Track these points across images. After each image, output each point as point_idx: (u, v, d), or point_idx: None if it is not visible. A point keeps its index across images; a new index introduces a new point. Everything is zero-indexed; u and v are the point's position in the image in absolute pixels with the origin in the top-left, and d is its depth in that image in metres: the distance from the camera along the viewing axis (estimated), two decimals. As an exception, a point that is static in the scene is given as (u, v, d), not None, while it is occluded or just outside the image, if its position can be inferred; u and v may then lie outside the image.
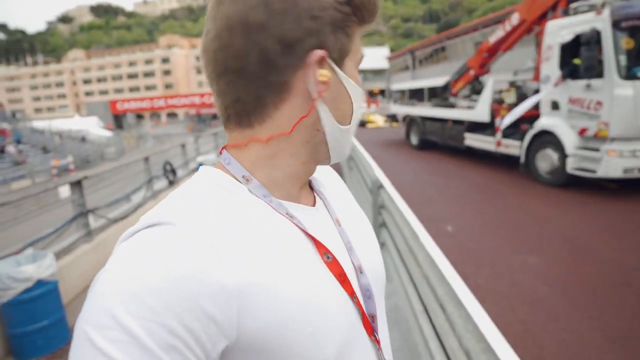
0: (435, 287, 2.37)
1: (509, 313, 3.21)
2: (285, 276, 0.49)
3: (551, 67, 6.95)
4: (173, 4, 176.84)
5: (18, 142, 24.34)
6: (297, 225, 0.55)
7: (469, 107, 10.09)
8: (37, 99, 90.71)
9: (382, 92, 59.37)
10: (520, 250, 4.46)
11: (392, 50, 66.12)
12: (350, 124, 0.58)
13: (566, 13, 7.11)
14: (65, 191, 5.87)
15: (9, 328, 3.10)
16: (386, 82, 53.05)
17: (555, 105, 6.95)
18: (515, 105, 8.17)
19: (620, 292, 3.45)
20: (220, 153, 0.59)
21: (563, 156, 6.73)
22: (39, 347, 3.13)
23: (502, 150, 8.46)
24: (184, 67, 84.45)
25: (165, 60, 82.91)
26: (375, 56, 61.89)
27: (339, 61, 0.54)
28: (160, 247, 0.43)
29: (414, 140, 13.12)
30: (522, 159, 7.69)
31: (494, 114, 8.73)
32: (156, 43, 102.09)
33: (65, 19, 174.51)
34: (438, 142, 11.78)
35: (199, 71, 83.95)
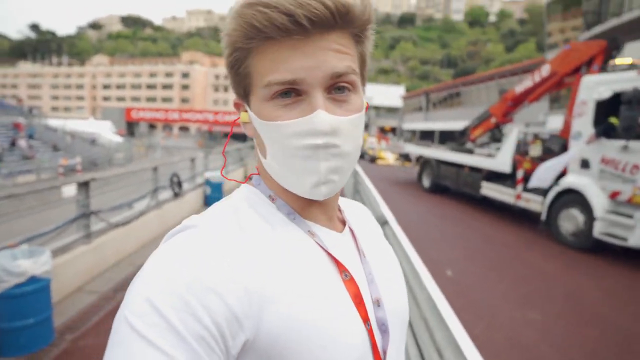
0: (434, 330, 2.30)
1: (505, 367, 3.11)
2: (302, 288, 0.52)
3: (584, 123, 6.60)
4: (200, 22, 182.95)
5: (30, 137, 24.64)
6: (317, 244, 0.58)
7: (489, 155, 9.74)
8: (55, 97, 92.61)
9: (393, 130, 60.22)
10: (521, 304, 4.36)
11: (407, 90, 67.46)
12: (266, 157, 0.58)
13: (603, 69, 6.93)
14: (68, 191, 5.88)
15: (-5, 322, 3.04)
16: (399, 121, 53.85)
17: (585, 164, 6.55)
18: (540, 159, 7.90)
19: (623, 359, 3.33)
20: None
21: (590, 218, 6.27)
22: (21, 346, 3.06)
23: (522, 204, 8.05)
24: (202, 83, 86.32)
25: (185, 75, 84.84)
26: (390, 94, 63.09)
27: (247, 100, 0.58)
28: (189, 250, 0.49)
29: (426, 182, 12.66)
30: (544, 216, 7.30)
31: (515, 165, 8.37)
32: (178, 58, 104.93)
33: (95, 25, 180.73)
34: (451, 187, 11.30)
35: (216, 89, 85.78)
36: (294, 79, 0.51)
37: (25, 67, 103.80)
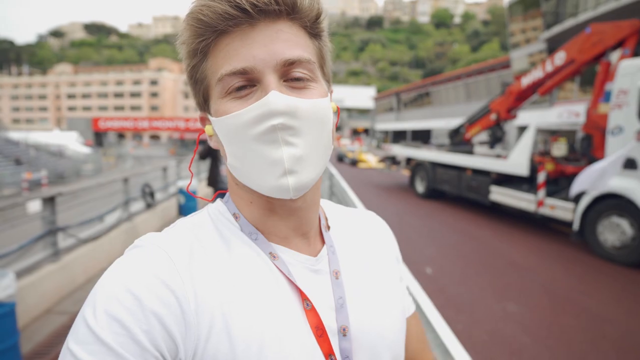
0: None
1: (488, 363, 3.14)
2: (253, 315, 0.50)
3: (626, 115, 5.62)
4: (167, 28, 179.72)
5: (-10, 151, 23.49)
6: (278, 268, 0.55)
7: (499, 156, 8.68)
8: (16, 109, 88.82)
9: (366, 131, 60.83)
10: (501, 298, 4.44)
11: (378, 91, 68.32)
12: (227, 160, 0.56)
13: (637, 54, 6.15)
14: (34, 206, 5.61)
15: (-46, 352, 2.83)
16: (371, 122, 54.45)
17: (631, 164, 5.48)
18: (566, 159, 7.12)
19: (598, 344, 3.43)
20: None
21: None
22: (-16, 376, 2.86)
23: (546, 211, 6.93)
24: (172, 90, 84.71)
25: (153, 82, 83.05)
26: (361, 96, 63.82)
27: (207, 107, 0.57)
28: (129, 273, 0.48)
29: (420, 187, 11.34)
30: (576, 226, 6.21)
31: (535, 167, 7.32)
32: (146, 65, 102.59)
33: (57, 33, 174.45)
34: (451, 192, 10.00)
35: (186, 96, 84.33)
36: (243, 67, 0.50)
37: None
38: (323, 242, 0.62)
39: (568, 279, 5.06)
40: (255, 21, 0.50)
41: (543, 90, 8.01)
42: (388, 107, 46.88)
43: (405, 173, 14.48)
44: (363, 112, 64.63)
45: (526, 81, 8.27)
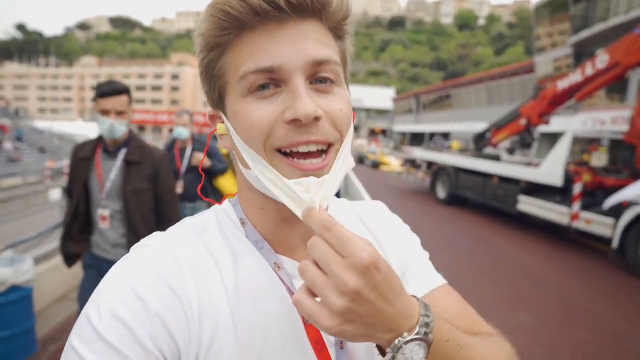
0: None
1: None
2: (255, 327, 0.49)
3: None
4: (190, 24, 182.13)
5: (19, 139, 24.26)
6: (282, 280, 0.54)
7: (529, 164, 8.34)
8: (42, 99, 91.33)
9: (383, 132, 60.51)
10: (514, 307, 4.34)
11: (398, 92, 67.87)
12: (247, 167, 0.51)
13: None
14: (55, 194, 5.76)
15: (-27, 333, 2.92)
16: (389, 123, 54.13)
17: None
18: (605, 170, 6.68)
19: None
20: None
21: None
22: (2, 358, 2.94)
23: (580, 226, 6.50)
24: (192, 85, 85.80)
25: (174, 77, 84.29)
26: (380, 96, 63.47)
27: (222, 106, 0.54)
28: (134, 273, 0.48)
29: (441, 193, 11.06)
30: (616, 243, 5.76)
31: (570, 177, 6.85)
32: (168, 59, 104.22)
33: (83, 26, 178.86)
34: (474, 199, 9.67)
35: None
36: (271, 65, 0.46)
37: (12, 68, 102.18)
38: None
39: (589, 293, 4.92)
40: (284, 19, 0.47)
41: (581, 96, 7.45)
42: (407, 108, 46.53)
43: (423, 176, 14.22)
44: (382, 113, 64.23)
45: (562, 85, 7.70)
